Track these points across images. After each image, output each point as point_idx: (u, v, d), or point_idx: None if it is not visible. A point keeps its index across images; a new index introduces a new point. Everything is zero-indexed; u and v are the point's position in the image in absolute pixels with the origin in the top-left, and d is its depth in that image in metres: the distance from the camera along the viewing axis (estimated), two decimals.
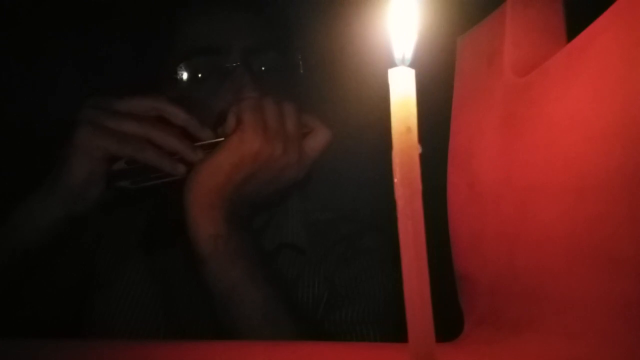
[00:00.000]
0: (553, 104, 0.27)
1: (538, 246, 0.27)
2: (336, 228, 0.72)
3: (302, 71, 0.69)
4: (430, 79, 0.34)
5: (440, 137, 0.37)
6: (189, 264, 0.53)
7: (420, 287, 0.18)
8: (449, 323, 0.32)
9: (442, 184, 0.36)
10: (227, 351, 0.33)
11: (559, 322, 0.26)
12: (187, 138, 0.55)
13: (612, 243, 0.23)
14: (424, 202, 0.18)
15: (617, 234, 0.23)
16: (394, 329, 0.61)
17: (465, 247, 0.35)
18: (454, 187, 0.36)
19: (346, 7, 0.64)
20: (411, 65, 0.19)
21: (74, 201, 0.53)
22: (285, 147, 0.54)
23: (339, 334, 0.61)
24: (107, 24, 0.82)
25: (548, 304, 0.27)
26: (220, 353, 0.32)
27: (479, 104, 0.34)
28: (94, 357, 0.32)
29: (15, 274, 0.54)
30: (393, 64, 0.19)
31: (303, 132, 0.57)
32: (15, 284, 0.55)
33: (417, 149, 0.18)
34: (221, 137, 0.55)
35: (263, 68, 0.64)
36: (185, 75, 0.62)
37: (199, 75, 0.63)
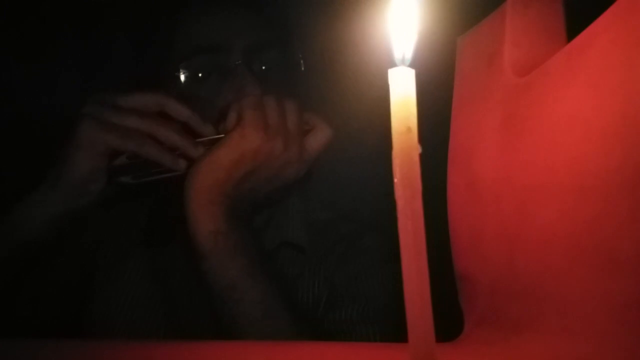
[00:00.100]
0: (553, 104, 0.27)
1: (538, 246, 0.27)
2: (336, 228, 0.72)
3: (303, 69, 0.69)
4: (430, 79, 0.34)
5: (440, 137, 0.37)
6: (189, 261, 0.53)
7: (420, 287, 0.18)
8: (449, 323, 0.32)
9: (442, 184, 0.36)
10: (227, 351, 0.33)
11: (559, 322, 0.26)
12: (188, 134, 0.55)
13: (612, 243, 0.23)
14: (424, 202, 0.18)
15: (617, 234, 0.23)
16: (394, 329, 0.61)
17: (465, 247, 0.35)
18: (454, 187, 0.36)
19: (346, 7, 0.64)
20: (411, 65, 0.19)
21: (75, 195, 0.53)
22: (286, 144, 0.54)
23: (338, 332, 0.61)
24: (108, 24, 0.82)
25: (548, 304, 0.27)
26: (221, 353, 0.32)
27: (479, 104, 0.34)
28: (94, 357, 0.32)
29: (16, 269, 0.55)
30: (393, 64, 0.19)
31: (304, 130, 0.57)
32: (15, 279, 0.55)
33: (417, 149, 0.18)
34: (222, 134, 0.55)
35: (263, 67, 0.64)
36: (186, 75, 0.62)
37: (200, 75, 0.63)
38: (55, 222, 0.54)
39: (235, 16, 0.65)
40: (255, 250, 0.53)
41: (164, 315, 0.64)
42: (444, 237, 0.36)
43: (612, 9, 0.24)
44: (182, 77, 0.62)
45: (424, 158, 0.19)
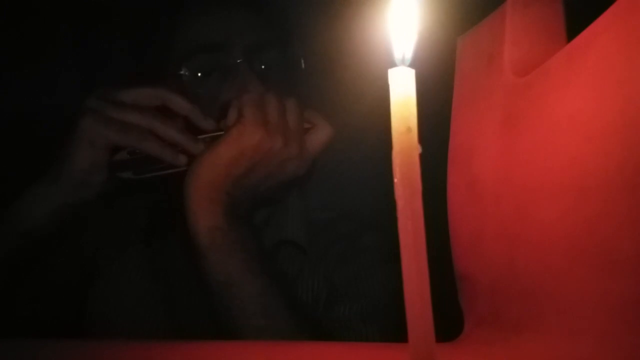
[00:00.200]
0: (553, 104, 0.27)
1: (538, 246, 0.27)
2: (336, 227, 0.72)
3: (303, 68, 0.69)
4: (430, 79, 0.34)
5: (440, 137, 0.37)
6: (189, 260, 0.53)
7: (420, 287, 0.18)
8: (449, 323, 0.32)
9: (442, 184, 0.36)
10: (227, 351, 0.33)
11: (559, 322, 0.26)
12: (189, 131, 0.55)
13: (612, 243, 0.23)
14: (424, 202, 0.18)
15: (617, 234, 0.23)
16: (393, 327, 0.61)
17: (465, 247, 0.35)
18: (454, 187, 0.36)
19: (346, 7, 0.64)
20: (411, 65, 0.19)
21: (76, 189, 0.53)
22: (286, 142, 0.54)
23: (337, 331, 0.61)
24: (109, 23, 0.82)
25: (548, 304, 0.27)
26: (221, 353, 0.32)
27: (479, 104, 0.34)
28: (94, 357, 0.32)
29: (17, 264, 0.55)
30: (393, 64, 0.19)
31: (305, 128, 0.57)
32: (16, 275, 0.55)
33: (417, 149, 0.18)
34: (223, 131, 0.55)
35: (263, 67, 0.64)
36: (187, 74, 0.63)
37: (202, 74, 0.63)
38: (56, 215, 0.54)
39: (236, 15, 0.65)
40: (254, 247, 0.53)
41: (163, 314, 0.64)
42: (444, 237, 0.36)
43: (612, 9, 0.24)
44: (184, 76, 0.62)
45: (424, 158, 0.19)
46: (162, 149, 0.54)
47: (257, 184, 0.55)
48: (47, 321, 0.59)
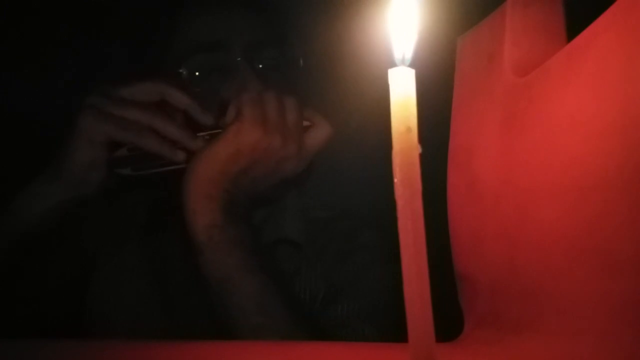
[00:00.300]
0: (553, 104, 0.27)
1: (538, 246, 0.27)
2: (334, 225, 0.72)
3: (302, 66, 0.69)
4: (430, 79, 0.34)
5: (440, 137, 0.37)
6: (187, 256, 0.53)
7: (420, 287, 0.18)
8: (449, 323, 0.32)
9: (442, 184, 0.36)
10: (227, 351, 0.33)
11: (559, 322, 0.26)
12: (188, 128, 0.55)
13: (612, 243, 0.23)
14: (424, 202, 0.18)
15: (617, 234, 0.23)
16: (390, 326, 0.62)
17: (465, 247, 0.35)
18: (454, 187, 0.36)
19: (346, 7, 0.64)
20: (411, 65, 0.19)
21: (76, 185, 0.54)
22: (284, 140, 0.54)
23: (335, 329, 0.61)
24: (108, 23, 0.82)
25: (548, 304, 0.27)
26: (220, 353, 0.32)
27: (479, 104, 0.34)
28: (94, 357, 0.32)
29: (16, 260, 0.55)
30: (393, 64, 0.19)
31: (304, 126, 0.57)
32: (15, 272, 0.55)
33: (417, 149, 0.18)
34: (222, 129, 0.55)
35: (261, 66, 0.64)
36: (186, 72, 0.63)
37: (201, 72, 0.63)
38: (55, 212, 0.54)
39: (235, 15, 0.65)
40: (251, 245, 0.53)
41: (161, 311, 0.64)
42: (444, 237, 0.36)
43: (612, 9, 0.24)
44: (183, 75, 0.63)
45: (424, 158, 0.19)
46: (161, 145, 0.54)
47: (255, 182, 0.55)
48: (46, 318, 0.59)
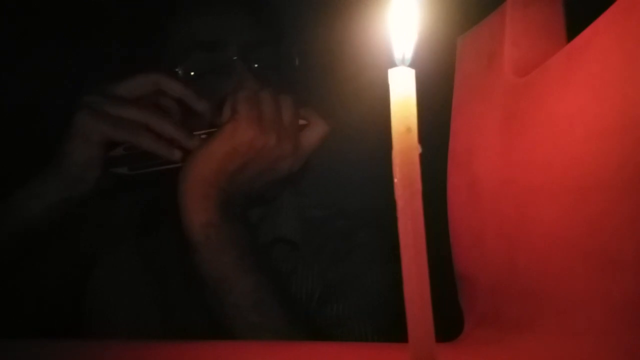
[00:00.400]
0: (553, 103, 0.27)
1: (538, 246, 0.27)
2: (331, 224, 0.72)
3: (298, 65, 0.69)
4: (430, 79, 0.34)
5: (440, 137, 0.37)
6: (183, 255, 0.53)
7: (420, 287, 0.18)
8: (449, 323, 0.32)
9: (442, 184, 0.36)
10: (226, 351, 0.33)
11: (559, 322, 0.26)
12: (185, 127, 0.55)
13: (613, 243, 0.23)
14: (424, 202, 0.18)
15: (617, 234, 0.23)
16: (386, 325, 0.62)
17: (465, 247, 0.35)
18: (454, 187, 0.36)
19: (346, 7, 0.64)
20: (411, 65, 0.19)
21: (73, 184, 0.54)
22: (280, 139, 0.54)
23: (331, 328, 0.61)
24: (104, 23, 0.82)
25: (548, 304, 0.27)
26: (220, 353, 0.32)
27: (479, 104, 0.34)
28: (94, 357, 0.32)
29: (13, 258, 0.55)
30: (393, 64, 0.19)
31: (300, 125, 0.57)
32: (12, 269, 0.55)
33: (417, 149, 0.18)
34: (218, 127, 0.55)
35: (257, 65, 0.64)
36: (182, 72, 0.63)
37: (197, 71, 0.63)
38: (52, 211, 0.54)
39: (231, 14, 0.66)
40: (247, 244, 0.53)
41: (158, 310, 0.64)
42: (444, 237, 0.36)
43: (612, 9, 0.24)
44: (179, 74, 0.63)
45: (424, 158, 0.19)
46: (157, 144, 0.54)
47: (251, 180, 0.55)
48: (44, 318, 0.59)
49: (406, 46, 0.19)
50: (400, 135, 0.18)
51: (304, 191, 0.75)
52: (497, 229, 0.31)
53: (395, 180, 0.18)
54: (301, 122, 0.57)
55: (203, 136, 0.55)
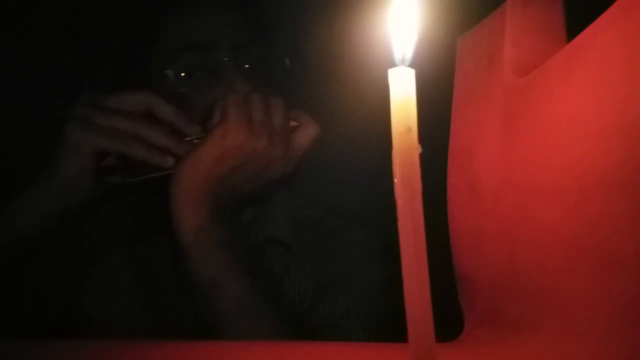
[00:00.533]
0: (553, 103, 0.27)
1: (538, 246, 0.27)
2: (323, 223, 0.72)
3: (289, 66, 0.69)
4: (430, 79, 0.34)
5: (440, 137, 0.37)
6: (175, 260, 0.53)
7: (420, 287, 0.18)
8: (449, 323, 0.32)
9: (442, 184, 0.36)
10: (222, 351, 0.33)
11: (559, 322, 0.26)
12: (175, 134, 0.56)
13: (612, 243, 0.23)
14: (424, 202, 0.18)
15: (617, 234, 0.23)
16: (379, 325, 0.61)
17: (465, 247, 0.35)
18: (454, 187, 0.36)
19: (346, 7, 0.64)
20: (411, 65, 0.19)
21: (65, 195, 0.54)
22: (271, 141, 0.54)
23: (324, 328, 0.61)
24: (95, 23, 0.82)
25: (548, 304, 0.27)
26: (216, 353, 0.32)
27: (479, 104, 0.34)
28: (93, 357, 0.32)
29: (7, 267, 0.55)
30: (393, 64, 0.19)
31: (291, 127, 0.57)
32: (5, 279, 0.55)
33: (417, 149, 0.18)
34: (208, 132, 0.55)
35: (248, 66, 0.64)
36: (173, 73, 0.63)
37: (188, 72, 0.63)
38: (45, 221, 0.54)
39: (222, 15, 0.65)
40: (238, 247, 0.53)
41: (150, 317, 0.64)
42: (444, 237, 0.36)
43: (612, 9, 0.24)
44: (170, 75, 0.62)
45: (424, 158, 0.19)
46: (148, 152, 0.54)
47: (242, 183, 0.55)
48: (39, 323, 0.59)
49: (406, 46, 0.19)
50: (400, 135, 0.18)
51: (296, 192, 0.74)
52: (497, 229, 0.31)
53: (395, 180, 0.18)
54: (292, 123, 0.57)
55: (195, 141, 0.55)
